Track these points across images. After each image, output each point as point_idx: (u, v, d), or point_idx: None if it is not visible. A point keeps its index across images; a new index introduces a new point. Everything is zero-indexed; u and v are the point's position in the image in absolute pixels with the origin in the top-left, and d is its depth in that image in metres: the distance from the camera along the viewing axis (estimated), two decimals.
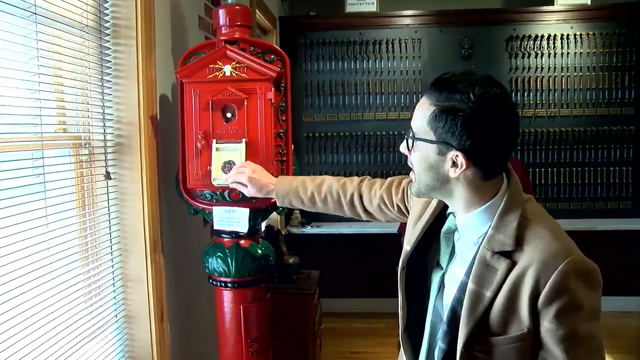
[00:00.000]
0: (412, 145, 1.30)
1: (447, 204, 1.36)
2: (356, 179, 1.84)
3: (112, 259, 2.02)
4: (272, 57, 2.09)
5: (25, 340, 1.50)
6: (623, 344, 4.30)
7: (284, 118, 2.11)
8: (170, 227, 2.26)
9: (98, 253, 1.96)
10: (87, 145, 1.91)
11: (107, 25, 1.96)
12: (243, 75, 1.97)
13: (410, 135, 1.30)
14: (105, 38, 1.96)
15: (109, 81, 1.98)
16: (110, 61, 1.97)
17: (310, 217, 4.97)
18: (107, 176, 1.95)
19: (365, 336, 4.43)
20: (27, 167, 1.59)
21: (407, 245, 1.45)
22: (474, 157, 1.23)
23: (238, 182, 1.89)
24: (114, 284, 2.03)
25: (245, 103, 1.97)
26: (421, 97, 1.31)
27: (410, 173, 1.38)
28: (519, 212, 1.26)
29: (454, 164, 1.24)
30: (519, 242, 1.23)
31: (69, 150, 1.85)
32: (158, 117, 2.11)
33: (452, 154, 1.23)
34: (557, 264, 1.18)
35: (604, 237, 4.74)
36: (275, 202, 1.93)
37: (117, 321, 2.04)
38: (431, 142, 1.26)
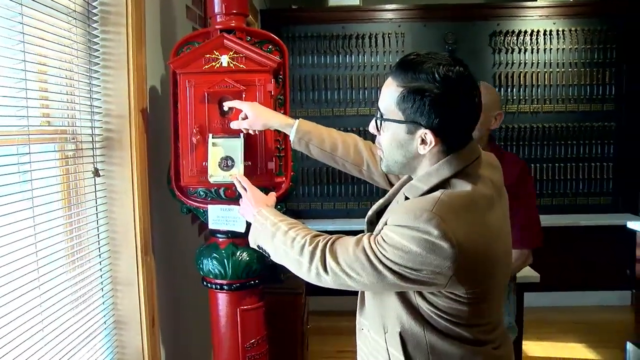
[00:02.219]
0: (381, 125, 1.38)
1: (412, 176, 1.43)
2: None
3: (100, 261, 1.89)
4: (270, 47, 1.99)
5: (7, 347, 1.37)
6: (605, 338, 4.32)
7: (282, 111, 2.01)
8: (162, 226, 2.14)
9: (85, 255, 1.83)
10: (74, 140, 1.78)
11: (95, 11, 1.83)
12: (241, 65, 1.87)
13: (379, 116, 1.38)
14: (94, 25, 1.83)
15: (97, 71, 1.85)
16: (99, 50, 1.85)
17: (294, 214, 4.87)
18: (96, 173, 1.82)
19: (351, 335, 4.32)
20: (12, 163, 1.46)
21: (371, 210, 1.57)
22: (442, 134, 1.32)
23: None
24: (102, 287, 1.90)
25: (244, 95, 1.87)
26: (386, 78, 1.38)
27: (379, 151, 1.45)
28: (446, 176, 1.34)
29: (423, 142, 1.33)
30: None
31: (54, 145, 1.72)
32: (148, 110, 1.99)
33: (421, 132, 1.32)
34: (408, 215, 1.27)
35: (586, 232, 4.76)
36: (274, 200, 1.82)
37: (106, 327, 1.91)
38: (400, 122, 1.34)
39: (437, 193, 1.32)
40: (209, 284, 2.01)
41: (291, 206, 4.90)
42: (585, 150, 4.93)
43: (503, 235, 1.44)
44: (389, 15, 4.85)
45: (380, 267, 1.30)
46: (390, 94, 1.35)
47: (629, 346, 3.79)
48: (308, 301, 3.84)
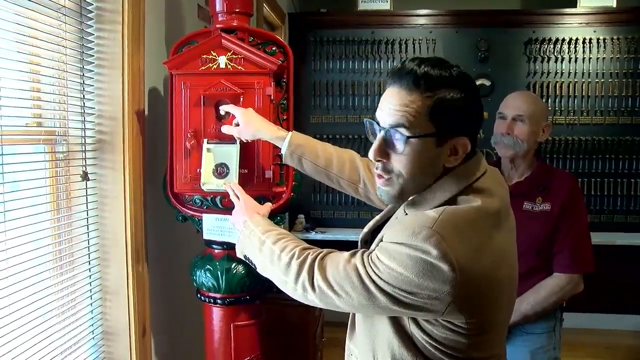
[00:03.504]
0: (405, 146, 1.19)
1: (418, 196, 1.28)
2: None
3: (89, 269, 1.82)
4: (273, 49, 1.88)
5: None
6: None
7: (284, 117, 1.91)
8: (156, 234, 2.05)
9: (74, 262, 1.76)
10: (64, 142, 1.71)
11: (89, 8, 1.76)
12: (240, 67, 1.77)
13: (404, 134, 1.18)
14: (87, 22, 1.76)
15: (90, 70, 1.78)
16: (92, 48, 1.77)
17: (315, 223, 4.76)
18: (84, 176, 1.75)
19: None
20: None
21: (366, 227, 1.47)
22: (472, 138, 1.23)
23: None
24: (91, 296, 1.82)
25: (242, 99, 1.77)
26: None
27: (380, 181, 1.27)
28: (453, 192, 1.22)
29: (451, 152, 1.21)
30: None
31: (44, 147, 1.66)
32: (146, 112, 1.91)
33: (453, 141, 1.20)
34: (405, 231, 1.15)
35: (622, 252, 4.50)
36: (274, 211, 1.72)
37: (93, 337, 1.84)
38: (432, 135, 1.18)
39: (440, 209, 1.19)
40: (202, 297, 1.91)
41: (314, 214, 4.79)
42: (625, 165, 4.65)
43: (509, 258, 1.29)
44: (420, 20, 4.70)
45: (371, 287, 1.18)
46: (413, 106, 1.17)
47: None
48: (323, 313, 3.72)
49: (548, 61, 4.60)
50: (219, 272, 1.86)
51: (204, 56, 1.76)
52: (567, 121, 4.64)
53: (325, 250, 1.32)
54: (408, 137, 1.18)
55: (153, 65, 1.96)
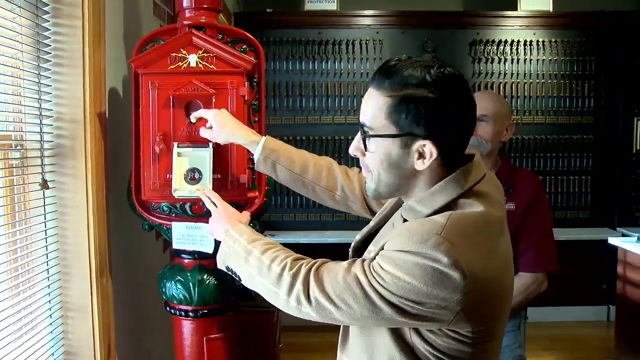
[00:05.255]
0: (368, 144, 1.19)
1: (405, 200, 1.25)
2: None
3: (49, 285, 1.67)
4: (244, 47, 1.80)
5: None
6: (584, 355, 4.25)
7: (256, 119, 1.83)
8: (121, 245, 1.92)
9: (32, 278, 1.61)
10: (20, 147, 1.57)
11: (46, 1, 1.61)
12: (211, 66, 1.68)
13: (366, 133, 1.19)
14: (44, 17, 1.62)
15: (48, 69, 1.63)
16: (50, 45, 1.63)
17: (265, 226, 4.67)
18: (44, 185, 1.60)
19: (324, 351, 4.17)
20: None
21: (358, 235, 1.38)
22: (442, 143, 1.15)
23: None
24: (51, 314, 1.68)
25: (214, 100, 1.67)
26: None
27: (364, 173, 1.26)
28: (453, 196, 1.16)
29: (420, 156, 1.16)
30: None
31: None
32: (107, 114, 1.78)
33: (419, 144, 1.15)
34: (412, 239, 1.10)
35: (564, 247, 4.63)
36: (248, 218, 1.63)
37: (54, 359, 1.69)
38: (394, 136, 1.16)
39: (446, 214, 1.13)
40: (172, 310, 1.80)
41: (263, 217, 4.69)
42: (564, 163, 4.84)
43: (511, 264, 1.26)
44: (367, 21, 4.71)
45: (375, 298, 1.11)
46: (377, 105, 1.17)
47: None
48: (280, 318, 3.65)
49: (492, 62, 4.72)
50: (191, 284, 1.75)
51: (173, 54, 1.66)
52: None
53: (319, 261, 1.25)
54: (368, 136, 1.19)
55: (112, 64, 1.83)
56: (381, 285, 1.11)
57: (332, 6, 4.65)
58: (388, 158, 1.18)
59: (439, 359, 1.17)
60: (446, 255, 1.06)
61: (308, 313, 1.21)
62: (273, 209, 4.72)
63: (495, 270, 1.15)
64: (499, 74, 4.71)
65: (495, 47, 4.71)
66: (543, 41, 4.72)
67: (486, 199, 1.18)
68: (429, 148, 1.14)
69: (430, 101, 1.12)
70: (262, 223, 4.68)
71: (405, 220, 1.21)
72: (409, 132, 1.14)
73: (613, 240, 3.77)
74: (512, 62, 4.72)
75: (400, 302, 1.10)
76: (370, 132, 1.18)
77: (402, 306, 1.10)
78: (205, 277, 1.76)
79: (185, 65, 1.67)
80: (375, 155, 1.19)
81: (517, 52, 4.72)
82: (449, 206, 1.16)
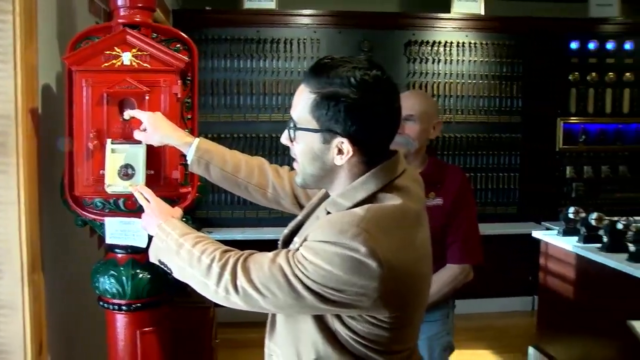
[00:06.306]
0: (294, 135, 1.29)
1: (329, 192, 1.35)
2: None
3: None
4: (177, 46, 1.83)
5: None
6: (509, 343, 4.44)
7: (189, 116, 1.86)
8: (55, 242, 1.92)
9: None
10: None
11: None
12: (145, 64, 1.71)
13: (292, 125, 1.29)
14: None
15: None
16: None
17: (202, 223, 4.68)
18: None
19: (260, 347, 4.21)
20: None
21: (286, 229, 1.45)
22: (359, 142, 1.23)
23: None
24: None
25: (147, 97, 1.70)
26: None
27: (294, 164, 1.36)
28: (372, 190, 1.25)
29: (340, 152, 1.24)
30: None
31: None
32: (40, 110, 1.78)
33: (337, 141, 1.23)
34: (333, 230, 1.18)
35: (493, 241, 4.85)
36: (181, 213, 1.67)
37: None
38: (314, 130, 1.25)
39: (365, 206, 1.22)
40: (105, 304, 1.82)
41: (200, 214, 4.70)
42: (494, 161, 5.06)
43: (428, 254, 1.36)
44: (305, 20, 4.78)
45: (298, 286, 1.19)
46: (303, 100, 1.26)
47: (531, 350, 3.94)
48: (216, 313, 3.68)
49: (426, 62, 4.88)
50: (124, 278, 1.78)
51: (107, 52, 1.68)
52: (443, 119, 4.90)
53: (247, 252, 1.31)
54: (293, 128, 1.29)
55: (45, 61, 1.83)
56: (303, 274, 1.18)
57: (271, 5, 4.69)
58: (311, 151, 1.27)
59: (360, 344, 1.26)
60: (364, 245, 1.14)
61: (235, 302, 1.27)
62: (210, 206, 4.74)
63: (412, 260, 1.24)
64: (433, 73, 4.88)
65: (429, 48, 4.87)
66: (475, 43, 4.92)
67: (404, 192, 1.27)
68: (346, 146, 1.23)
69: (351, 101, 1.20)
70: (199, 220, 4.71)
71: (328, 213, 1.29)
72: (328, 129, 1.23)
73: (536, 234, 3.97)
74: (445, 63, 4.90)
75: (322, 290, 1.17)
76: (296, 125, 1.28)
77: (323, 294, 1.18)
78: (138, 271, 1.79)
79: (119, 63, 1.69)
80: (300, 147, 1.29)
81: (451, 53, 4.90)
82: (369, 199, 1.25)
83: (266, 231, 4.48)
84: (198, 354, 3.07)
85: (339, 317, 1.25)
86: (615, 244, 3.18)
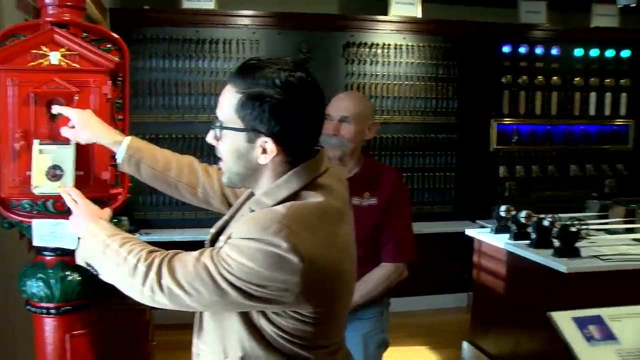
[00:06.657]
0: (220, 134, 1.31)
1: (254, 191, 1.37)
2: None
3: None
4: (108, 45, 1.81)
5: None
6: (444, 339, 4.55)
7: (120, 117, 1.85)
8: None
9: None
10: None
11: None
12: (74, 64, 1.69)
13: (218, 124, 1.31)
14: None
15: None
16: None
17: (140, 224, 4.61)
18: None
19: None
20: None
21: (213, 228, 1.47)
22: (283, 142, 1.26)
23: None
24: None
25: (76, 98, 1.68)
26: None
27: (220, 163, 1.37)
28: (295, 189, 1.28)
29: (264, 151, 1.27)
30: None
31: None
32: None
33: (261, 140, 1.26)
34: (255, 226, 1.20)
35: (429, 240, 4.96)
36: (110, 214, 1.66)
37: None
38: (239, 130, 1.27)
39: (287, 204, 1.25)
40: (33, 308, 1.78)
41: (138, 216, 4.64)
42: (431, 161, 5.17)
43: (352, 250, 1.40)
44: (245, 21, 4.77)
45: (222, 283, 1.21)
46: (228, 100, 1.28)
47: (465, 345, 4.07)
48: (153, 316, 3.63)
49: (364, 64, 4.96)
50: (52, 280, 1.74)
51: (34, 51, 1.65)
52: (381, 120, 5.00)
53: (172, 252, 1.32)
54: (219, 127, 1.31)
55: None
56: (227, 270, 1.20)
57: (210, 5, 4.66)
58: (236, 150, 1.29)
59: (285, 339, 1.29)
60: (285, 241, 1.17)
61: (161, 301, 1.28)
62: (149, 207, 4.67)
63: (334, 256, 1.28)
64: (371, 75, 4.96)
65: (367, 50, 4.95)
66: (412, 45, 5.03)
67: (327, 190, 1.31)
68: (270, 145, 1.26)
69: (275, 102, 1.23)
70: (138, 221, 4.63)
71: (252, 211, 1.31)
72: (252, 128, 1.26)
73: (469, 232, 4.10)
74: (383, 64, 4.99)
75: (245, 286, 1.20)
76: (221, 124, 1.30)
77: (247, 290, 1.20)
78: (68, 273, 1.76)
79: (46, 63, 1.66)
80: (225, 146, 1.31)
81: (388, 55, 4.99)
82: (292, 197, 1.28)
83: (205, 232, 4.32)
84: (134, 356, 3.04)
85: (264, 313, 1.28)
86: (542, 241, 3.33)
